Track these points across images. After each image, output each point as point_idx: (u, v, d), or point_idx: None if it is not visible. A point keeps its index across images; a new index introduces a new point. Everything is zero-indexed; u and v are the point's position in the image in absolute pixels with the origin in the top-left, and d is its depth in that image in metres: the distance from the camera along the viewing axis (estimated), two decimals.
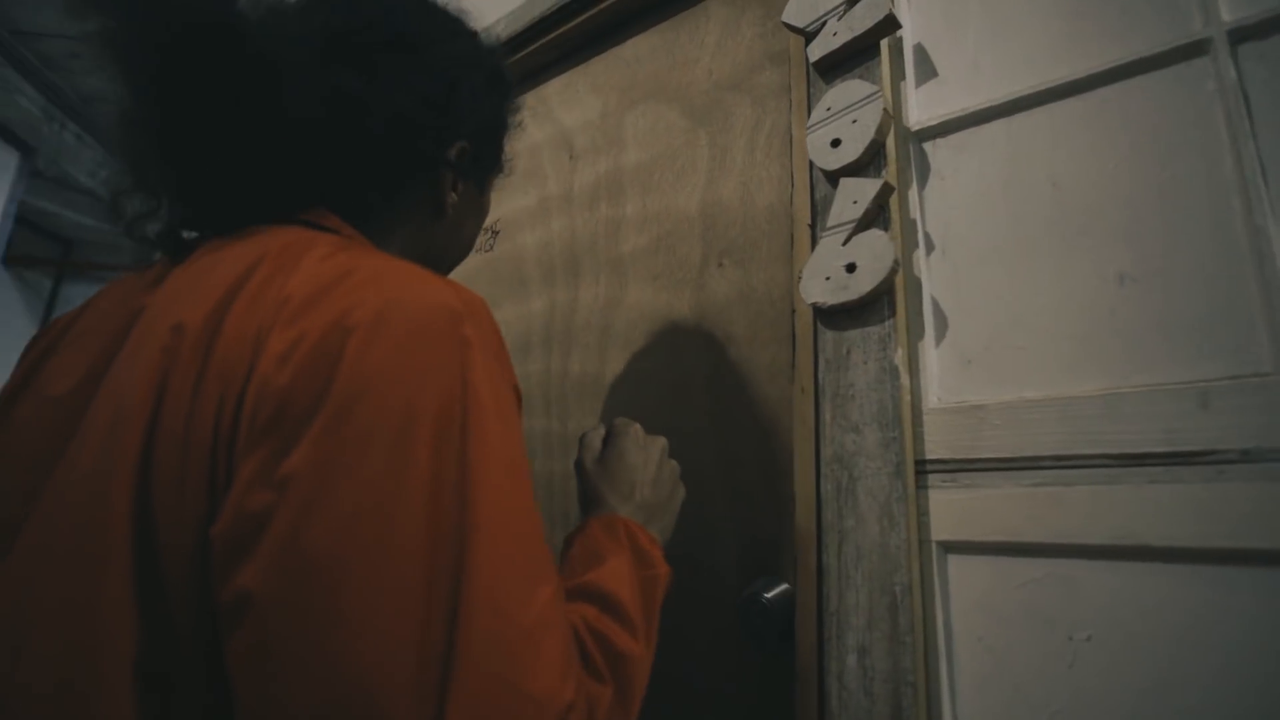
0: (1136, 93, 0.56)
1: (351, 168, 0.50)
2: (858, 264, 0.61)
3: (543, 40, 1.09)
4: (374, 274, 0.39)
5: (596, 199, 0.98)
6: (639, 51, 1.00)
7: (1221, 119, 0.52)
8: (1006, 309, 0.59)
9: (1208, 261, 0.51)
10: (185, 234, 0.49)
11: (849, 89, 0.66)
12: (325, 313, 0.36)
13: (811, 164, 0.69)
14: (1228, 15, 0.53)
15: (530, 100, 1.14)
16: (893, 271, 0.59)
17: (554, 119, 1.09)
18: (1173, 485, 0.48)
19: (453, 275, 1.12)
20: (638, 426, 0.64)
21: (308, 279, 0.38)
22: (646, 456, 0.62)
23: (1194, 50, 0.54)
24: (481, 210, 0.64)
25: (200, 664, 0.34)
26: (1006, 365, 0.58)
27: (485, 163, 0.61)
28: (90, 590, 0.34)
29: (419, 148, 0.53)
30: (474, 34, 0.60)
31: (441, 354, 0.37)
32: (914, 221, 0.64)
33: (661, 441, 0.64)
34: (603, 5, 1.01)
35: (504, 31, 1.12)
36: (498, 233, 1.12)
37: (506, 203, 1.12)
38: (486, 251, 1.13)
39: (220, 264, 0.42)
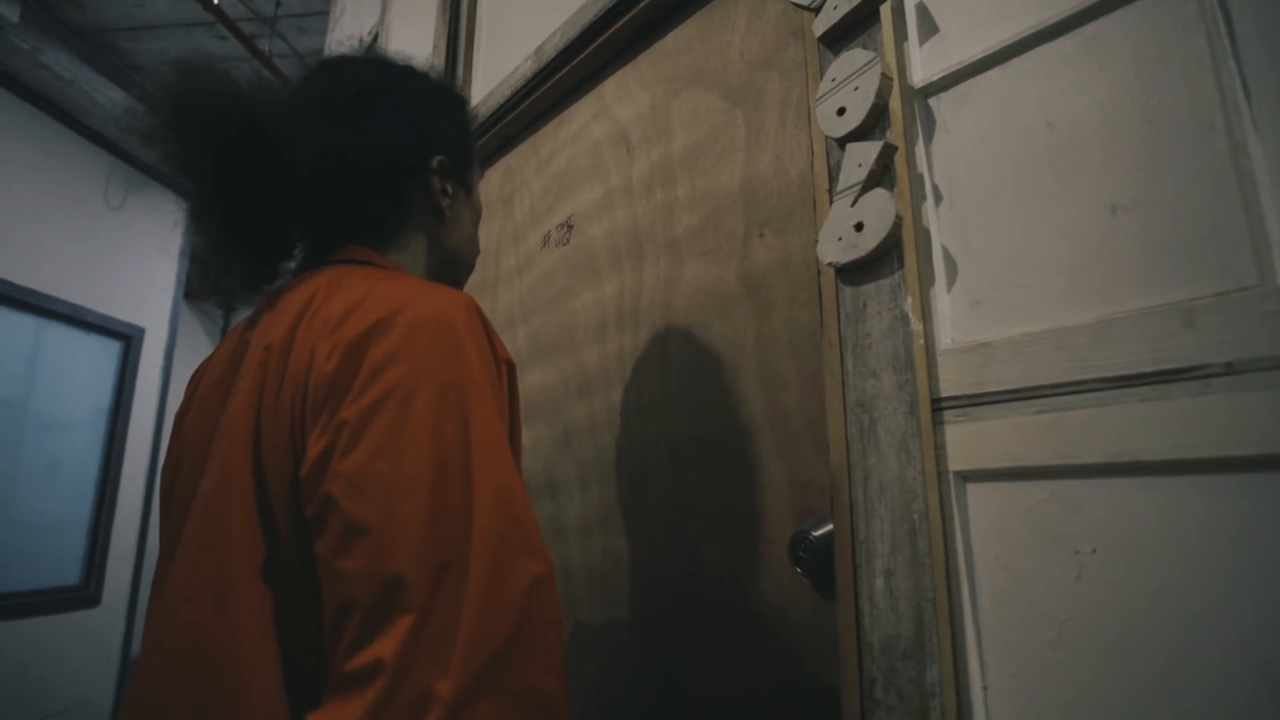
0: (1121, 24, 0.57)
1: (362, 194, 0.67)
2: (865, 222, 0.66)
3: (595, 44, 1.18)
4: (385, 293, 0.56)
5: (652, 186, 1.06)
6: (679, 43, 1.07)
7: (1203, 39, 0.53)
8: (1009, 249, 0.62)
9: (1193, 182, 0.52)
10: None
11: (850, 58, 0.70)
12: (353, 324, 0.53)
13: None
14: None
15: (591, 100, 1.24)
16: (895, 226, 0.64)
17: (611, 116, 1.18)
18: (1161, 402, 0.51)
19: (538, 270, 1.26)
20: None
21: (341, 303, 0.56)
22: None
23: None
24: (475, 208, 0.81)
25: (297, 562, 0.51)
26: (1010, 303, 0.61)
27: (462, 166, 0.77)
28: (227, 518, 0.53)
29: (407, 164, 0.70)
30: (425, 75, 0.77)
31: (437, 340, 0.53)
32: (921, 176, 0.68)
33: None
34: (643, 3, 1.09)
35: (561, 40, 1.22)
36: (572, 227, 1.23)
37: (578, 198, 1.22)
38: (563, 245, 1.24)
39: (290, 301, 0.60)
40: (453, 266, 0.79)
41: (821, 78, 0.75)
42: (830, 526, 0.74)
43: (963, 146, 0.66)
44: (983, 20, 0.66)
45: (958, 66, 0.67)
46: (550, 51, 1.24)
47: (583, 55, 1.20)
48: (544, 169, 1.34)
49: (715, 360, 0.91)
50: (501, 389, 0.57)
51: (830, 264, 0.69)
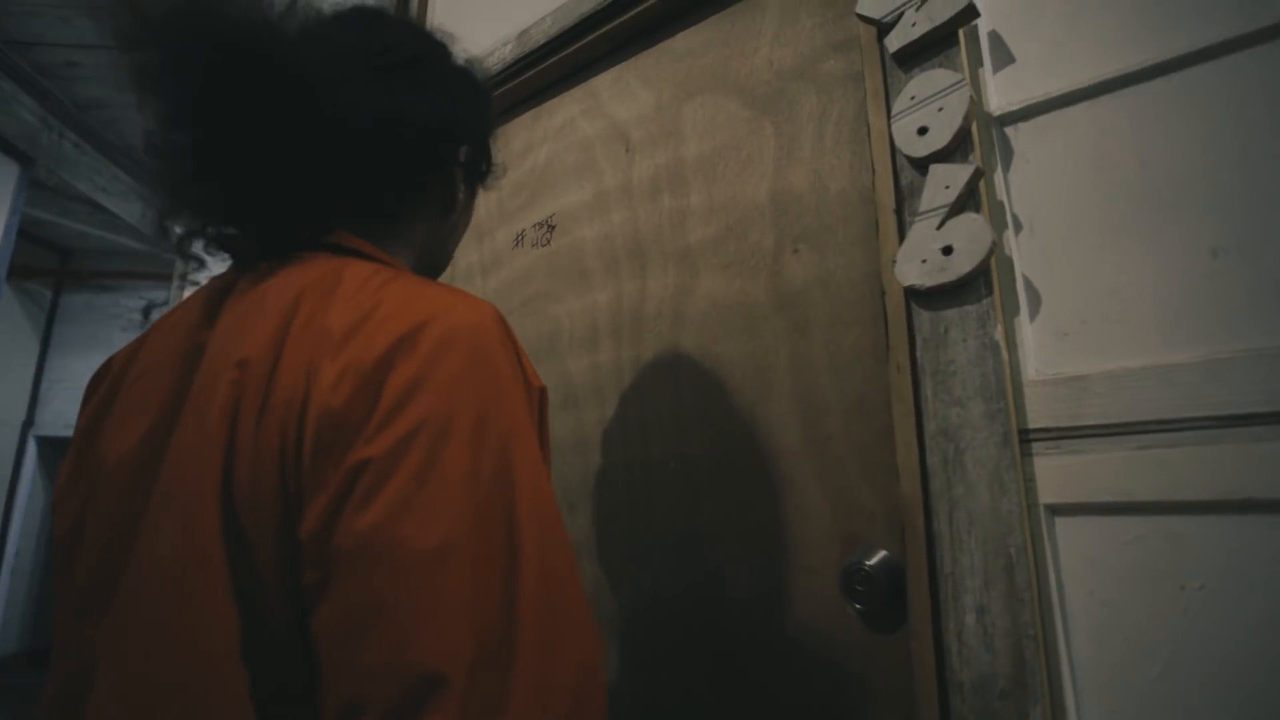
0: (1221, 73, 0.59)
1: (380, 171, 0.57)
2: (955, 246, 0.64)
3: (591, 36, 1.11)
4: (401, 301, 0.45)
5: (658, 191, 1.01)
6: (690, 45, 1.02)
7: None
8: (1099, 283, 0.62)
9: None
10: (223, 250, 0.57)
11: (933, 78, 0.69)
12: (364, 343, 0.43)
13: (894, 151, 0.72)
14: None
15: (579, 95, 1.16)
16: (990, 253, 0.63)
17: (605, 113, 1.11)
18: (1276, 443, 0.52)
19: (508, 271, 1.16)
20: None
21: (344, 313, 0.45)
22: None
23: (1275, 32, 0.57)
24: (469, 216, 0.72)
25: (288, 637, 0.41)
26: (1103, 337, 0.61)
27: (480, 167, 0.68)
28: (196, 589, 0.41)
29: (438, 149, 0.61)
30: (453, 55, 0.67)
31: (471, 363, 0.44)
32: (1000, 203, 0.67)
33: None
34: (651, 1, 1.03)
35: (552, 28, 1.13)
36: (553, 227, 1.14)
37: (562, 197, 1.14)
38: (542, 246, 1.15)
39: (266, 300, 0.48)
40: (431, 271, 0.69)
41: (891, 94, 0.73)
42: (883, 554, 0.71)
43: (1044, 177, 0.66)
44: (1067, 56, 0.67)
45: (1041, 98, 0.67)
46: (538, 38, 1.15)
47: (575, 46, 1.13)
48: (516, 164, 1.24)
49: (739, 378, 0.87)
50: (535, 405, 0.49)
51: (911, 286, 0.67)
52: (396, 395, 0.40)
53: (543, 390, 0.50)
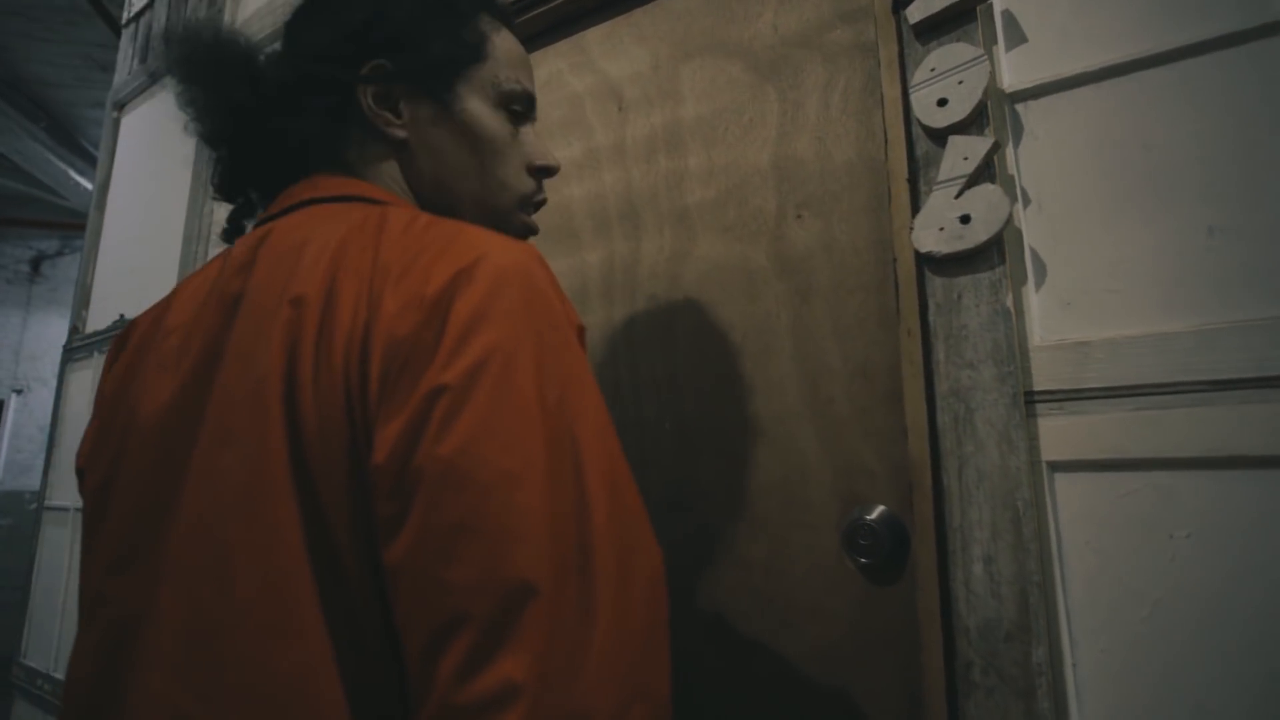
0: (1220, 66, 0.64)
1: (284, 113, 0.58)
2: (973, 216, 0.67)
3: None
4: (448, 242, 0.46)
5: (654, 151, 1.00)
6: (689, 4, 1.01)
7: None
8: (1102, 256, 0.66)
9: None
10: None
11: (953, 51, 0.71)
12: (421, 276, 0.44)
13: (909, 121, 0.74)
14: None
15: (566, 49, 1.13)
16: (1006, 223, 0.66)
17: (596, 69, 1.09)
18: (1263, 405, 0.57)
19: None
20: None
21: (397, 251, 0.46)
22: None
23: (1272, 30, 0.62)
24: (465, 127, 0.60)
25: (358, 574, 0.42)
26: (1104, 306, 0.65)
27: (437, 75, 0.59)
28: (273, 524, 0.41)
29: (325, 77, 0.58)
30: None
31: (526, 297, 0.45)
32: (1011, 177, 0.71)
33: None
34: None
35: None
36: None
37: None
38: None
39: (308, 245, 0.49)
40: (455, 210, 0.61)
41: (908, 65, 0.75)
42: (881, 509, 0.75)
43: (1052, 154, 0.70)
44: (1076, 40, 0.70)
45: (1051, 79, 0.70)
46: None
47: None
48: None
49: (738, 342, 0.88)
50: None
51: (928, 253, 0.69)
52: (462, 325, 0.41)
53: (581, 328, 0.50)
